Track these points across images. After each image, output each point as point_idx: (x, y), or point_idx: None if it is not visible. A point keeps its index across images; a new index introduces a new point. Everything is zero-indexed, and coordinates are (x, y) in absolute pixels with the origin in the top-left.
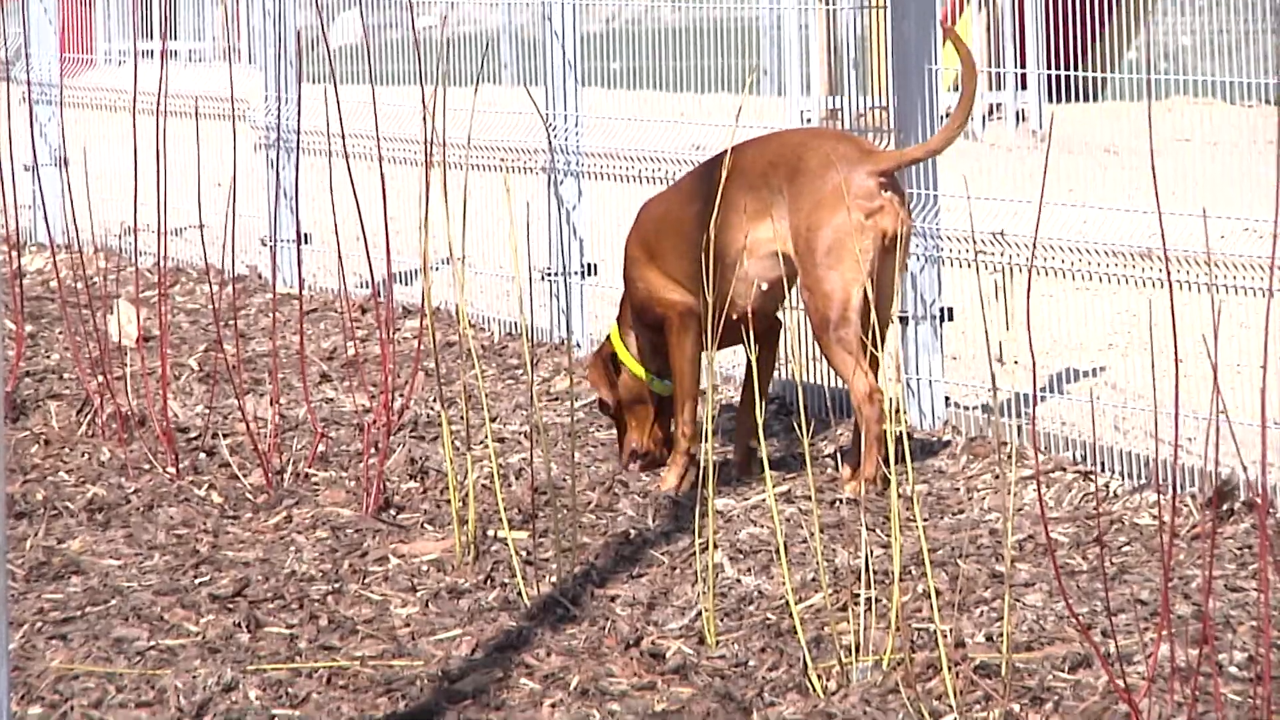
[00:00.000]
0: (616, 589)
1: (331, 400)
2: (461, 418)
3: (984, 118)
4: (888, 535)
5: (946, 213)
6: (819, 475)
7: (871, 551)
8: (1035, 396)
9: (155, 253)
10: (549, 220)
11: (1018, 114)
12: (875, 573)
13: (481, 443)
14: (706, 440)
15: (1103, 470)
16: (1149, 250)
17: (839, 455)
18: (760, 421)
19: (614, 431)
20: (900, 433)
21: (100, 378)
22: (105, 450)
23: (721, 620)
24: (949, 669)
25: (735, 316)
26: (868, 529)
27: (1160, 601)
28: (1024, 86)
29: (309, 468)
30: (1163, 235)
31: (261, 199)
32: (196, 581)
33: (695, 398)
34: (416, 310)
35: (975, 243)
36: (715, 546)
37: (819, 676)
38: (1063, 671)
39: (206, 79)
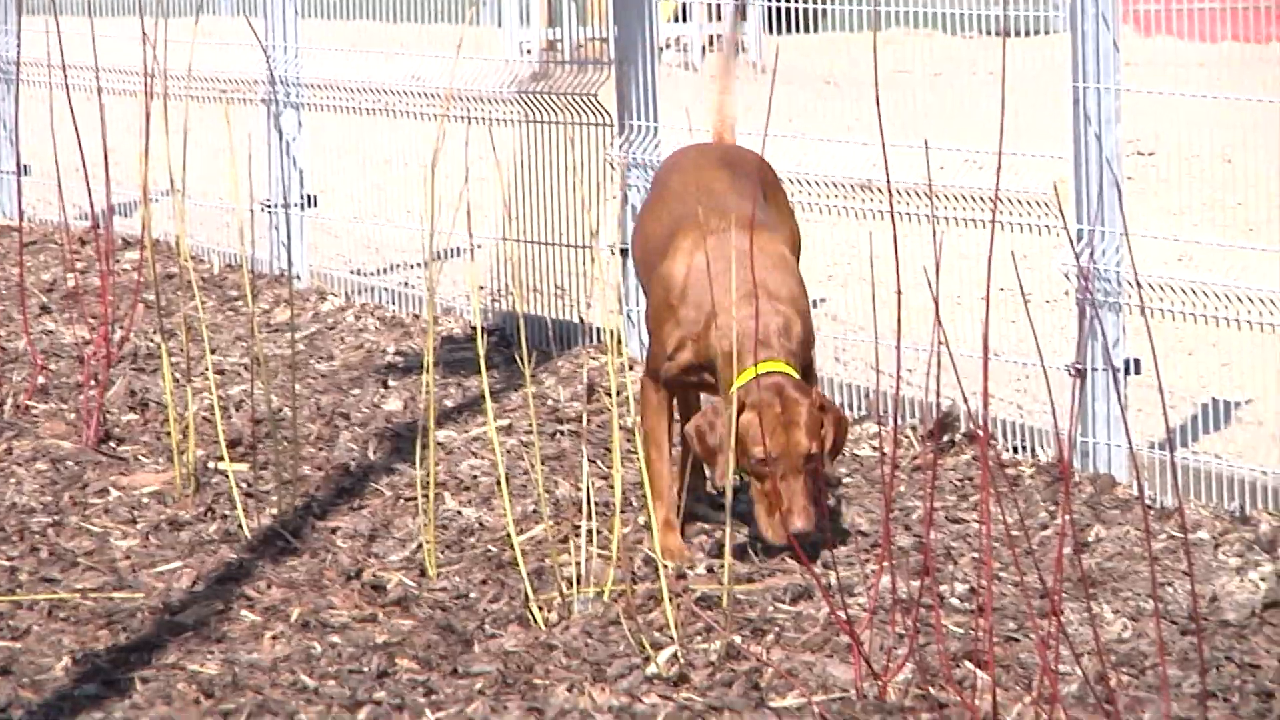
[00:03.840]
0: (337, 521)
1: (51, 332)
2: (182, 349)
3: (704, 49)
4: (609, 467)
5: (668, 145)
6: (540, 408)
7: (593, 483)
8: (756, 328)
9: None
10: (269, 152)
11: (737, 45)
12: (596, 504)
13: (202, 374)
14: (428, 373)
15: None
16: (870, 181)
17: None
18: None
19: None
20: (622, 364)
21: None
22: None
23: (442, 552)
24: (670, 600)
25: None
26: (589, 461)
27: (881, 533)
28: (744, 18)
29: (28, 400)
30: (885, 167)
31: None
32: None
33: None
34: (136, 242)
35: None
36: (436, 479)
37: (540, 608)
38: (784, 603)
39: None
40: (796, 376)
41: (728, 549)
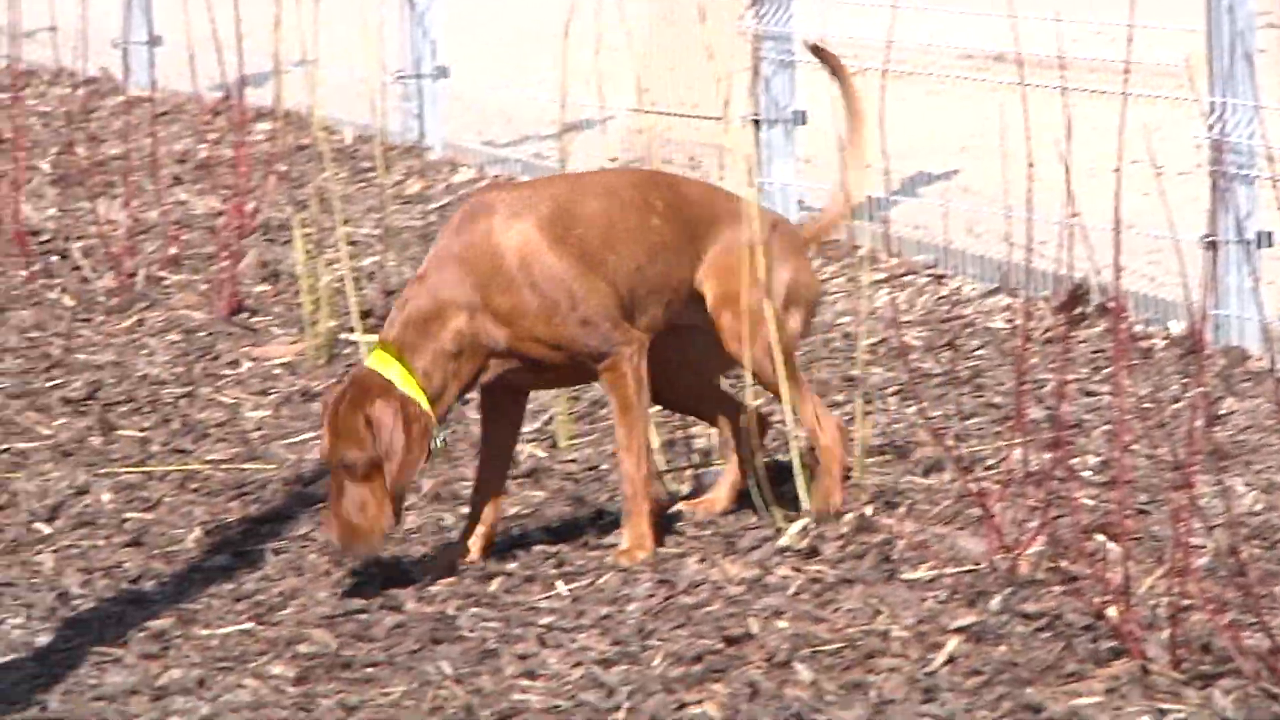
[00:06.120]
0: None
1: (184, 203)
2: (314, 221)
3: None
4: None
5: (799, 15)
6: None
7: None
8: (889, 200)
9: (7, 55)
10: (402, 22)
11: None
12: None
13: (334, 246)
14: None
15: (956, 274)
16: (1002, 54)
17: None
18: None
19: None
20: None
21: None
22: None
23: (574, 424)
24: (802, 473)
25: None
26: None
27: (1014, 405)
28: None
29: (161, 271)
30: (1016, 39)
31: (114, 0)
32: (49, 385)
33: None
34: (269, 113)
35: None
36: None
37: (673, 479)
38: (916, 475)
39: None
40: (400, 369)
41: (859, 421)
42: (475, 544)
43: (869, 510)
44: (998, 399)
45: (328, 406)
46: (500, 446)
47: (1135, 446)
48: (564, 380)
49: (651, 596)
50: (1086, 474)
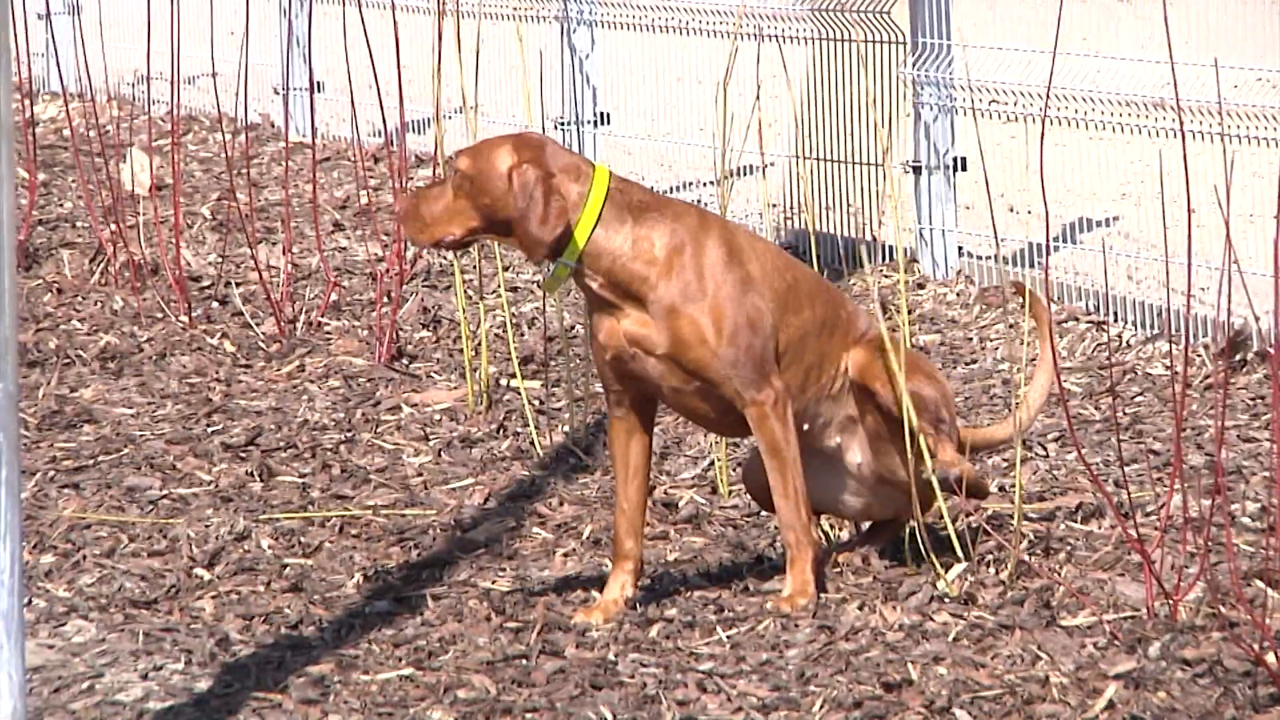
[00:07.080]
0: None
1: (344, 249)
2: (474, 267)
3: None
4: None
5: (959, 62)
6: None
7: None
8: (1048, 246)
9: (168, 101)
10: (562, 69)
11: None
12: None
13: (494, 292)
14: None
15: (1115, 320)
16: (1162, 100)
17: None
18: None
19: None
20: (914, 282)
21: (113, 226)
22: (118, 299)
23: (734, 470)
24: (963, 519)
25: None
26: None
27: (1173, 452)
28: None
29: (322, 316)
30: (1175, 85)
31: (274, 47)
32: (209, 430)
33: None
34: (429, 159)
35: (989, 92)
36: None
37: (832, 526)
38: (1075, 522)
39: None
40: (596, 189)
41: (1018, 468)
42: (626, 581)
43: (1028, 556)
44: (1157, 445)
45: (513, 136)
46: (636, 487)
47: None
48: (700, 408)
49: (811, 642)
50: (1245, 520)
